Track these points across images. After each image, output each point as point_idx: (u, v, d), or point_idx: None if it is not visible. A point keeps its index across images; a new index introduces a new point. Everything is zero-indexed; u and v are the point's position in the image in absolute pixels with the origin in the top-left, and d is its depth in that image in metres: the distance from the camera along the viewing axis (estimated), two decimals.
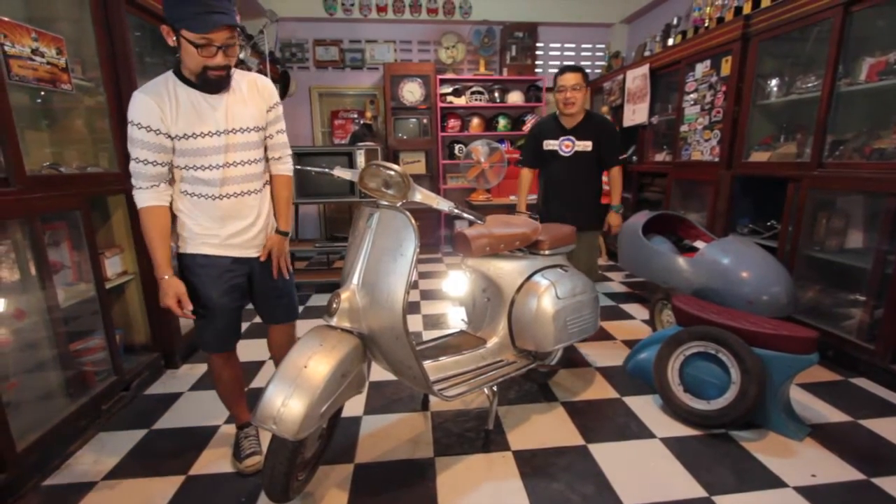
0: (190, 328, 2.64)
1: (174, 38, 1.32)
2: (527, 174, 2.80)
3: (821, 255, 2.58)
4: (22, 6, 1.94)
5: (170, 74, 1.41)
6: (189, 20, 1.26)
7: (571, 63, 2.78)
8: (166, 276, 1.44)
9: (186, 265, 1.53)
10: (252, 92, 1.51)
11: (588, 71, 5.57)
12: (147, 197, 1.41)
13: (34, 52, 1.70)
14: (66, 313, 1.89)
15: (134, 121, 1.34)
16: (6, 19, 1.60)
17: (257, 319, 3.29)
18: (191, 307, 1.48)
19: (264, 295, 1.67)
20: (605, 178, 2.88)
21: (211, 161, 1.44)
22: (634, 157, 4.55)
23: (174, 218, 1.50)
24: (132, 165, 1.39)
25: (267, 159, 1.62)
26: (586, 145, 2.56)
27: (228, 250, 1.53)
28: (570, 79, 2.49)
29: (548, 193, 2.72)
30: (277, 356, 1.77)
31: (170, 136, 1.39)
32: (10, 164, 1.59)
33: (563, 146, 2.59)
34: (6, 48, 1.58)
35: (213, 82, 1.39)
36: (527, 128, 5.02)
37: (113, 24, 2.11)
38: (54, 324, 1.82)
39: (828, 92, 2.45)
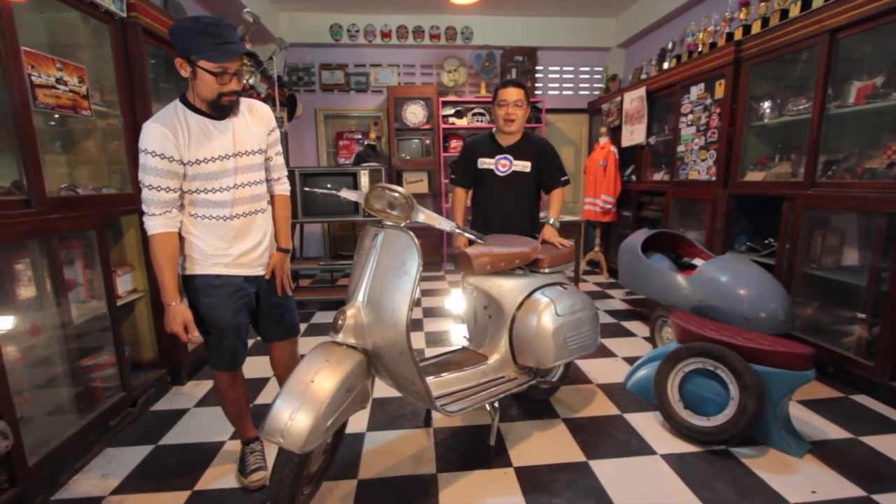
0: (196, 345, 2.68)
1: (188, 70, 1.40)
2: (461, 193, 2.54)
3: (817, 273, 2.62)
4: (47, 35, 2.05)
5: (177, 103, 1.47)
6: (207, 52, 1.36)
7: (518, 80, 2.53)
8: (174, 303, 1.48)
9: (198, 286, 1.55)
10: (254, 116, 1.59)
11: (586, 93, 5.77)
12: (158, 223, 1.45)
13: (58, 80, 1.80)
14: (78, 330, 1.94)
15: (148, 149, 1.39)
16: (34, 51, 1.70)
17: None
18: (196, 333, 1.51)
19: (269, 312, 1.71)
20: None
21: (222, 184, 1.51)
22: (633, 177, 4.64)
23: (182, 241, 1.54)
24: (145, 193, 1.43)
25: (267, 180, 1.70)
26: (525, 165, 2.40)
27: (239, 269, 1.59)
28: (513, 94, 2.31)
29: (481, 214, 2.52)
30: (282, 374, 1.81)
31: (182, 163, 1.44)
32: (32, 187, 1.67)
33: (500, 165, 2.41)
34: (33, 78, 1.68)
35: (225, 107, 1.48)
36: None
37: (131, 53, 2.22)
38: (67, 340, 1.88)
39: (818, 114, 2.53)
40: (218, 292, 1.55)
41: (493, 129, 2.47)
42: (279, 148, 1.71)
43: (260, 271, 1.65)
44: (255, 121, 1.59)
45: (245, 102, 1.59)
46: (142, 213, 1.43)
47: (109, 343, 2.09)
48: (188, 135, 1.44)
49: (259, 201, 1.62)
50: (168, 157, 1.41)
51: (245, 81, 3.10)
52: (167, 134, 1.40)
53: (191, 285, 1.56)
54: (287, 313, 1.76)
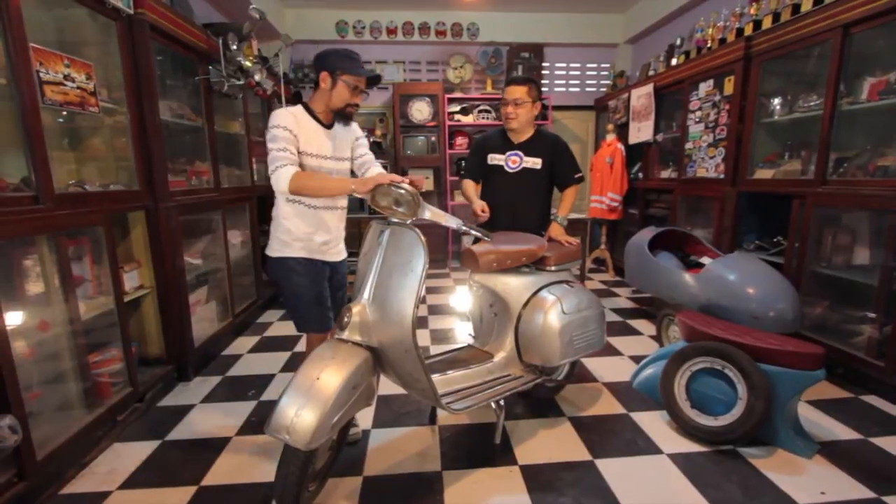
0: (202, 341, 2.69)
1: (329, 82, 1.72)
2: (470, 184, 2.50)
3: (827, 272, 2.58)
4: (54, 31, 2.05)
5: (299, 107, 1.77)
6: (353, 69, 1.72)
7: (522, 76, 2.45)
8: (353, 186, 1.60)
9: (290, 266, 1.78)
10: (348, 131, 1.90)
11: (593, 89, 5.72)
12: (290, 168, 1.64)
13: (66, 77, 1.80)
14: (86, 326, 1.95)
15: (280, 124, 1.66)
16: (42, 48, 1.70)
17: (267, 333, 3.34)
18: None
19: (332, 295, 1.93)
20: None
21: None
22: (640, 174, 4.60)
23: (277, 224, 1.79)
24: (277, 154, 1.64)
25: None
26: (535, 162, 2.36)
27: (321, 255, 1.84)
28: (513, 92, 2.29)
29: (489, 210, 2.39)
30: None
31: (298, 143, 1.70)
32: (40, 184, 1.67)
33: (510, 162, 2.38)
34: (41, 75, 1.68)
35: (347, 115, 1.80)
36: None
37: (138, 50, 2.22)
38: (74, 335, 1.89)
39: (830, 110, 2.49)
40: (307, 271, 1.80)
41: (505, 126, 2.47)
42: (367, 146, 1.99)
43: (336, 257, 1.91)
44: (349, 135, 1.90)
45: None
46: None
47: (117, 339, 2.10)
48: (304, 130, 1.71)
49: (342, 199, 1.88)
50: (294, 134, 1.68)
51: (251, 78, 3.11)
52: (293, 119, 1.70)
53: (284, 266, 1.79)
54: (339, 302, 1.98)
